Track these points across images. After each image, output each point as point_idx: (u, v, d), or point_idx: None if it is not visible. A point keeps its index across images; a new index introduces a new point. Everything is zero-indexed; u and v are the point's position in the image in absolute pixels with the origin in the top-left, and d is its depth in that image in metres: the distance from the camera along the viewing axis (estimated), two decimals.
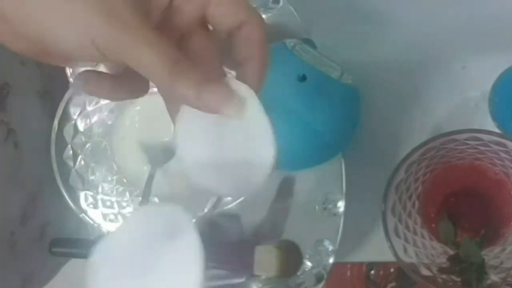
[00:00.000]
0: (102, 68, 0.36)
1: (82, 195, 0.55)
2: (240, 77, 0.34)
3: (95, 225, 0.54)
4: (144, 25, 0.31)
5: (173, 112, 0.34)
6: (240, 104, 0.32)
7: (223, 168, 0.34)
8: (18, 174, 0.53)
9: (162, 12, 0.34)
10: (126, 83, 0.35)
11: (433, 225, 0.54)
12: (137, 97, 0.37)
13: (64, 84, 0.56)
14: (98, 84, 0.36)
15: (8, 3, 0.31)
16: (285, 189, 0.55)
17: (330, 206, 0.53)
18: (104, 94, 0.37)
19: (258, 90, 0.34)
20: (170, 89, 0.31)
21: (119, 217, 0.55)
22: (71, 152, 0.55)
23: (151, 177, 0.50)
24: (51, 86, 0.57)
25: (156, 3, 0.33)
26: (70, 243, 0.55)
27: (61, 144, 0.54)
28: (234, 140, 0.34)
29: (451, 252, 0.53)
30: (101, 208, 0.55)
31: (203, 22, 0.35)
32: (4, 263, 0.51)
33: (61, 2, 0.31)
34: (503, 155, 0.51)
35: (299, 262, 0.52)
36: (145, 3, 0.33)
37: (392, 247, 0.49)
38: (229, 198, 0.54)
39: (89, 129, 0.56)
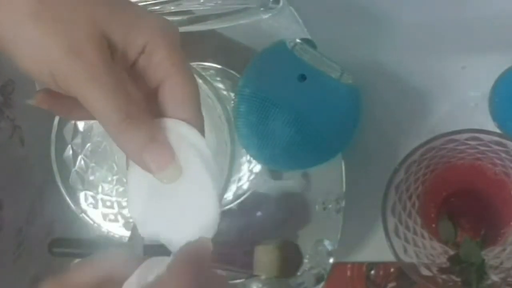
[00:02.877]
0: None
1: (82, 195, 0.55)
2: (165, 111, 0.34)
3: (95, 225, 0.54)
4: (103, 67, 0.31)
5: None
6: (176, 171, 0.32)
7: (169, 224, 0.34)
8: (24, 171, 0.53)
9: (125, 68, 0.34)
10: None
11: (433, 225, 0.54)
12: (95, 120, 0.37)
13: None
14: (54, 104, 0.36)
15: None
16: (285, 189, 0.55)
17: (330, 206, 0.53)
18: (62, 114, 0.38)
19: (198, 121, 0.35)
20: (115, 140, 0.32)
21: (119, 217, 0.55)
22: (71, 152, 0.55)
23: None
24: None
25: (123, 56, 0.33)
26: (70, 243, 0.55)
27: (61, 144, 0.54)
28: (178, 198, 0.34)
29: (451, 252, 0.53)
30: (101, 208, 0.55)
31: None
32: (12, 262, 0.51)
33: (29, 27, 0.31)
34: (503, 155, 0.51)
35: (299, 262, 0.52)
36: (115, 49, 0.33)
37: (392, 247, 0.49)
38: (229, 198, 0.54)
39: (89, 129, 0.56)
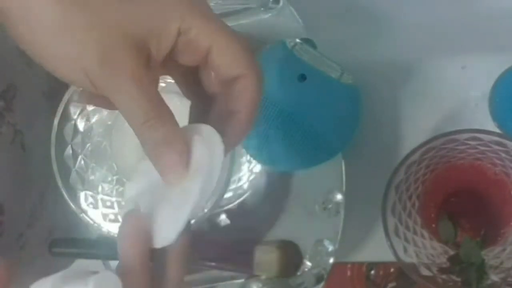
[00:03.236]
0: None
1: (82, 195, 0.55)
2: (221, 128, 0.35)
3: (95, 225, 0.54)
4: (140, 73, 0.32)
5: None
6: (182, 175, 0.33)
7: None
8: (25, 176, 0.53)
9: (164, 57, 0.34)
10: None
11: (433, 225, 0.54)
12: None
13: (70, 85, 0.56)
14: (100, 100, 0.36)
15: (21, 25, 0.32)
16: (285, 189, 0.55)
17: (330, 206, 0.53)
18: (108, 107, 0.38)
19: (235, 145, 0.36)
20: (138, 137, 0.33)
21: (119, 217, 0.55)
22: (71, 152, 0.55)
23: None
24: (57, 87, 0.57)
25: (158, 48, 0.33)
26: (70, 243, 0.55)
27: (61, 144, 0.54)
28: (164, 200, 0.34)
29: (451, 252, 0.53)
30: (101, 208, 0.55)
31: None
32: (14, 266, 0.51)
33: (58, 37, 0.32)
34: (503, 155, 0.51)
35: (299, 262, 0.52)
36: (146, 47, 0.33)
37: (392, 247, 0.49)
38: (229, 198, 0.54)
39: (89, 129, 0.56)
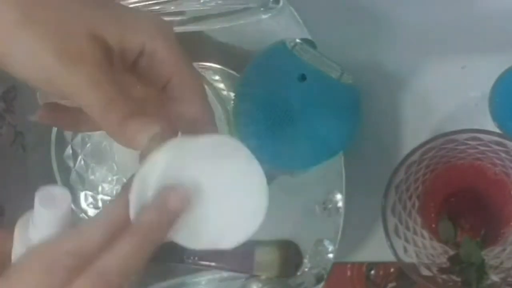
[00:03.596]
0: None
1: (82, 195, 0.55)
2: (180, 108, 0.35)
3: None
4: (101, 71, 0.31)
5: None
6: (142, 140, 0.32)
7: (215, 226, 0.34)
8: (26, 177, 0.53)
9: (125, 66, 0.34)
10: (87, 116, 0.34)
11: (433, 225, 0.54)
12: (99, 130, 0.37)
13: None
14: (56, 118, 0.36)
15: None
16: (285, 189, 0.55)
17: (330, 206, 0.53)
18: (66, 127, 0.38)
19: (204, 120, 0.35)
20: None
21: None
22: (71, 152, 0.55)
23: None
24: None
25: (120, 56, 0.33)
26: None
27: (61, 144, 0.54)
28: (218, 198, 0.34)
29: (451, 252, 0.53)
30: (101, 208, 0.55)
31: None
32: None
33: (18, 35, 0.31)
34: (503, 155, 0.51)
35: (299, 262, 0.52)
36: (109, 50, 0.33)
37: (392, 247, 0.49)
38: None
39: None
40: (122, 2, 0.51)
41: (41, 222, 0.32)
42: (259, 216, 0.34)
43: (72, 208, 0.33)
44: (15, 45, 0.31)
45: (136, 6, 0.52)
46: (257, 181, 0.34)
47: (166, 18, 0.53)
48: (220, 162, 0.33)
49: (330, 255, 0.52)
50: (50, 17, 0.31)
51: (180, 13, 0.54)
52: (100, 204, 0.55)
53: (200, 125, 0.35)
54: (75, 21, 0.31)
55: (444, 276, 0.51)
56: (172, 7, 0.53)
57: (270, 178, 0.55)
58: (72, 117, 0.36)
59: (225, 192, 0.34)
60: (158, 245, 0.31)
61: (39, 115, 0.36)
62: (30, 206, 0.54)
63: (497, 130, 0.52)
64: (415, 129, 0.57)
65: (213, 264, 0.53)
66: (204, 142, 0.33)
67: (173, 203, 0.31)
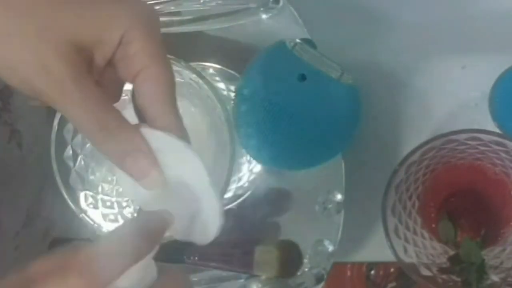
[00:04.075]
0: None
1: (82, 195, 0.55)
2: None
3: (95, 225, 0.54)
4: (73, 83, 0.31)
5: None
6: (158, 178, 0.33)
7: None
8: (22, 175, 0.53)
9: (105, 63, 0.34)
10: None
11: (433, 225, 0.54)
12: None
13: None
14: None
15: None
16: (285, 189, 0.55)
17: (330, 206, 0.53)
18: None
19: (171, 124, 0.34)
20: (96, 148, 0.32)
21: (119, 217, 0.55)
22: (71, 152, 0.55)
23: None
24: None
25: (100, 54, 0.33)
26: (70, 243, 0.55)
27: (61, 144, 0.54)
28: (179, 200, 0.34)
29: (451, 252, 0.53)
30: (101, 208, 0.55)
31: None
32: (9, 265, 0.51)
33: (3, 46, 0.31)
34: (503, 155, 0.51)
35: (299, 262, 0.52)
36: (88, 52, 0.32)
37: (392, 247, 0.49)
38: (229, 198, 0.54)
39: None
40: None
41: None
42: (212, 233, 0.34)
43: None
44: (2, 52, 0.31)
45: None
46: (211, 211, 0.34)
47: (166, 18, 0.53)
48: (179, 163, 0.34)
49: (330, 255, 0.52)
50: (26, 28, 0.31)
51: (180, 13, 0.54)
52: (100, 204, 0.55)
53: (160, 125, 0.34)
54: (49, 30, 0.31)
55: (444, 276, 0.51)
56: (172, 7, 0.53)
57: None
58: None
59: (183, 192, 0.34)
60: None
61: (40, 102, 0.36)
62: (25, 204, 0.54)
63: (497, 130, 0.52)
64: (415, 129, 0.57)
65: (213, 264, 0.53)
66: (166, 141, 0.33)
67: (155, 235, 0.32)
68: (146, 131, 0.33)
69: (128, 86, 0.36)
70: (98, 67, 0.33)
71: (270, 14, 0.54)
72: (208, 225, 0.34)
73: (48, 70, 0.31)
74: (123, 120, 0.33)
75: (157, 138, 0.33)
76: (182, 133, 0.34)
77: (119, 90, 0.37)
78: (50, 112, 0.56)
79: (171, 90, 0.34)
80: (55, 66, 0.31)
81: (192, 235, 0.34)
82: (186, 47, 0.54)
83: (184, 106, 0.53)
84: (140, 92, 0.34)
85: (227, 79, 0.55)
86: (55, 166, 0.53)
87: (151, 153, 0.33)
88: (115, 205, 0.55)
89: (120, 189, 0.55)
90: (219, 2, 0.54)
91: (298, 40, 0.51)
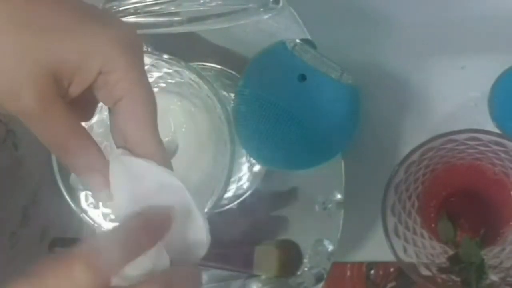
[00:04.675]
0: None
1: (82, 195, 0.55)
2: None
3: (95, 225, 0.54)
4: (41, 107, 0.31)
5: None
6: (106, 198, 0.35)
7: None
8: (18, 175, 0.52)
9: (82, 90, 0.34)
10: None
11: (432, 225, 0.54)
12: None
13: None
14: None
15: None
16: (285, 189, 0.55)
17: (330, 206, 0.53)
18: None
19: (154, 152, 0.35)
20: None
21: None
22: None
23: None
24: None
25: (77, 81, 0.33)
26: (70, 243, 0.55)
27: None
28: None
29: (451, 252, 0.53)
30: (101, 208, 0.55)
31: None
32: (5, 265, 0.51)
33: None
34: (502, 155, 0.51)
35: (299, 262, 0.52)
36: (63, 78, 0.32)
37: (392, 247, 0.49)
38: (229, 198, 0.54)
39: (89, 129, 0.55)
40: (122, 3, 0.51)
41: None
42: (200, 252, 0.35)
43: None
44: None
45: (136, 6, 0.52)
46: (198, 230, 0.35)
47: (166, 19, 0.53)
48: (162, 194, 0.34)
49: (330, 255, 0.52)
50: (5, 50, 0.30)
51: (180, 13, 0.54)
52: (100, 204, 0.55)
53: (141, 152, 0.34)
54: (25, 55, 0.31)
55: (443, 276, 0.51)
56: (172, 8, 0.53)
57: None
58: None
59: None
60: None
61: None
62: (22, 203, 0.54)
63: (497, 130, 0.52)
64: (415, 129, 0.57)
65: (213, 264, 0.53)
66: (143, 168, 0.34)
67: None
68: (126, 159, 0.34)
69: None
70: (74, 92, 0.33)
71: (270, 15, 0.53)
72: (197, 243, 0.35)
73: (17, 94, 0.31)
74: (85, 140, 0.34)
75: (138, 165, 0.34)
76: (163, 161, 0.35)
77: (94, 109, 0.37)
78: None
79: (153, 117, 0.34)
80: (24, 91, 0.31)
81: (182, 255, 0.35)
82: (186, 47, 0.54)
83: (184, 106, 0.53)
84: (121, 119, 0.34)
85: (227, 79, 0.55)
86: (55, 166, 0.53)
87: (106, 173, 0.34)
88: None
89: None
90: (219, 2, 0.54)
91: (298, 41, 0.51)
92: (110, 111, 0.35)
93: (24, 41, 0.31)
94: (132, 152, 0.34)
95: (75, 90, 0.33)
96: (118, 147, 0.35)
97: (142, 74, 0.34)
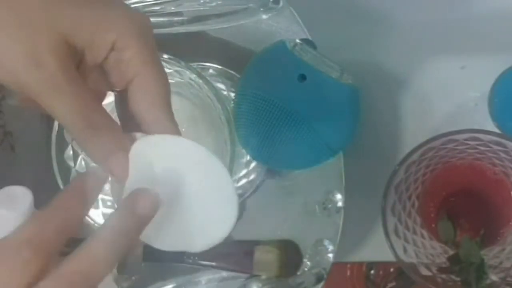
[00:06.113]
0: None
1: None
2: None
3: (96, 225, 0.54)
4: (63, 77, 0.31)
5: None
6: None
7: (185, 231, 0.34)
8: (14, 177, 0.52)
9: (94, 66, 0.33)
10: None
11: (432, 225, 0.54)
12: None
13: None
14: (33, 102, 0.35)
15: None
16: (285, 189, 0.55)
17: (330, 206, 0.53)
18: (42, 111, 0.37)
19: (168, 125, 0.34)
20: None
21: None
22: (71, 152, 0.55)
23: None
24: None
25: (89, 56, 0.33)
26: (70, 243, 0.55)
27: (62, 144, 0.54)
28: (189, 204, 0.34)
29: (451, 252, 0.53)
30: (101, 208, 0.55)
31: None
32: None
33: None
34: (502, 155, 0.51)
35: (299, 262, 0.52)
36: (78, 52, 0.32)
37: (392, 247, 0.49)
38: None
39: None
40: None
41: (1, 224, 0.31)
42: (228, 225, 0.34)
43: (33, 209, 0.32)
44: None
45: (136, 6, 0.53)
46: (227, 193, 0.33)
47: (166, 18, 0.53)
48: (189, 168, 0.33)
49: (330, 255, 0.52)
50: (17, 20, 0.30)
51: (180, 13, 0.54)
52: (100, 204, 0.55)
53: (156, 130, 0.34)
54: (42, 24, 0.31)
55: (443, 276, 0.51)
56: (172, 8, 0.53)
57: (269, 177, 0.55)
58: None
59: (194, 197, 0.33)
60: (126, 250, 0.31)
61: (21, 98, 0.35)
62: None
63: (497, 130, 0.52)
64: (415, 129, 0.57)
65: (213, 264, 0.53)
66: (169, 145, 0.33)
67: (142, 208, 0.31)
68: (144, 138, 0.33)
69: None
70: (87, 69, 0.33)
71: (270, 14, 0.54)
72: (224, 218, 0.34)
73: (39, 62, 0.30)
74: (110, 119, 0.33)
75: (156, 143, 0.33)
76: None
77: (103, 95, 0.37)
78: (44, 114, 0.56)
79: (167, 96, 0.34)
80: (47, 59, 0.30)
81: (206, 229, 0.34)
82: (186, 47, 0.54)
83: (184, 106, 0.53)
84: (135, 98, 0.34)
85: (227, 79, 0.56)
86: (55, 166, 0.53)
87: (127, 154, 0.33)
88: (115, 205, 0.55)
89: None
90: (219, 2, 0.54)
91: (298, 40, 0.51)
92: (118, 97, 0.35)
93: (41, 8, 0.31)
94: (147, 133, 0.33)
95: (88, 65, 0.33)
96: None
97: (155, 53, 0.34)
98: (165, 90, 0.34)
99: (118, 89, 0.35)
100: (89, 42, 0.32)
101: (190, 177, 0.33)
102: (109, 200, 0.55)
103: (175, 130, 0.34)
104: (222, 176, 0.33)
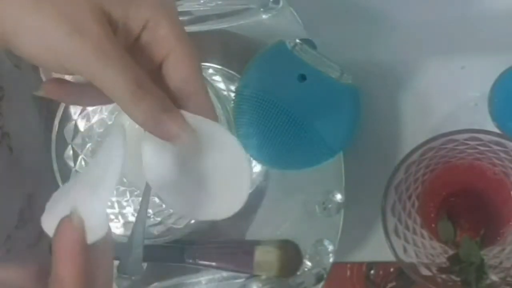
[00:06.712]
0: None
1: None
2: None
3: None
4: (111, 42, 0.31)
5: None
6: (193, 138, 0.33)
7: (190, 199, 0.35)
8: (13, 178, 0.52)
9: (128, 43, 0.34)
10: (93, 91, 0.34)
11: (432, 225, 0.54)
12: (106, 104, 0.37)
13: None
14: (62, 92, 0.36)
15: None
16: (285, 189, 0.55)
17: (330, 206, 0.53)
18: (70, 102, 0.37)
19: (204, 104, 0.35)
20: (129, 112, 0.32)
21: (119, 217, 0.55)
22: (71, 152, 0.55)
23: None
24: None
25: (124, 31, 0.33)
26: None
27: (61, 144, 0.54)
28: (203, 174, 0.35)
29: (451, 251, 0.53)
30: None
31: None
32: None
33: (30, 14, 0.31)
34: (502, 155, 0.51)
35: (299, 262, 0.52)
36: (116, 24, 0.33)
37: (392, 247, 0.49)
38: None
39: (89, 129, 0.56)
40: None
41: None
42: (244, 194, 0.35)
43: None
44: (24, 25, 0.31)
45: None
46: (241, 164, 0.35)
47: None
48: (206, 143, 0.34)
49: (330, 255, 0.52)
50: None
51: (180, 13, 0.54)
52: None
53: (193, 104, 0.35)
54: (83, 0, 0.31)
55: (443, 276, 0.51)
56: None
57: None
58: (78, 92, 0.36)
59: (212, 169, 0.35)
60: None
61: (46, 89, 0.35)
62: (17, 207, 0.54)
63: (497, 130, 0.52)
64: (415, 129, 0.57)
65: (213, 264, 0.53)
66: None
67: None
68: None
69: None
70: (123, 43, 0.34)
71: (270, 15, 0.54)
72: (237, 195, 0.35)
73: (82, 29, 0.31)
74: (154, 82, 0.33)
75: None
76: (213, 111, 0.35)
77: None
78: (42, 115, 0.56)
79: (201, 69, 0.35)
80: (90, 26, 0.31)
81: (220, 205, 0.35)
82: None
83: None
84: (171, 74, 0.34)
85: (227, 79, 0.56)
86: (55, 166, 0.54)
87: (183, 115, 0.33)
88: (115, 204, 0.55)
89: (121, 189, 0.55)
90: (219, 2, 0.54)
91: (298, 40, 0.51)
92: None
93: None
94: (184, 107, 0.34)
95: (122, 42, 0.33)
96: None
97: (185, 32, 0.35)
98: (199, 63, 0.35)
99: (147, 69, 0.35)
100: (124, 16, 0.33)
101: (209, 153, 0.34)
102: (109, 200, 0.55)
103: (211, 102, 0.35)
104: (236, 149, 0.34)
